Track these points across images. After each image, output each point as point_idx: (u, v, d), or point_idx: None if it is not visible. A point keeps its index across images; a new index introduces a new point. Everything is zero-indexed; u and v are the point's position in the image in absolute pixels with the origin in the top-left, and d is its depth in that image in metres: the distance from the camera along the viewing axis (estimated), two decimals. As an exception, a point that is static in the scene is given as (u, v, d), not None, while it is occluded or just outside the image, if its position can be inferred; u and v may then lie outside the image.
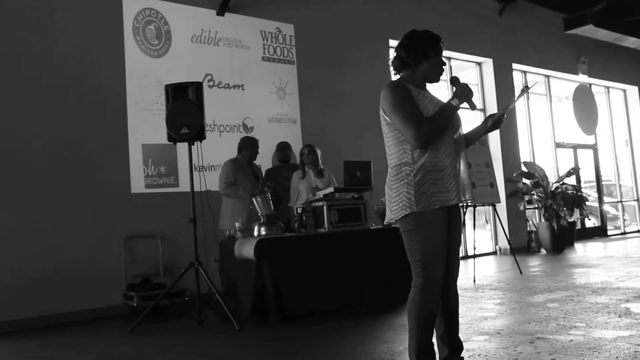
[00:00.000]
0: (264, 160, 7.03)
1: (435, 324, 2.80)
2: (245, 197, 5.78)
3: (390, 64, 2.92)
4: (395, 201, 2.75)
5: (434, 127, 2.69)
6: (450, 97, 2.79)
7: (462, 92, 2.78)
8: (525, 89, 2.94)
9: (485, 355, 3.41)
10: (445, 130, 2.75)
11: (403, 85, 2.77)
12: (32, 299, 5.51)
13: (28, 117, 5.74)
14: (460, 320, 2.96)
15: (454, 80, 2.87)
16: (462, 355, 2.89)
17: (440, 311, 2.81)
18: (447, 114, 2.73)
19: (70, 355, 4.26)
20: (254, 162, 6.24)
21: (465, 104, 2.82)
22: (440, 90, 8.99)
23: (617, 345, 3.43)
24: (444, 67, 2.87)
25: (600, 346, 3.43)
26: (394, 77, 2.94)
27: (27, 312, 5.46)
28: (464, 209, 7.09)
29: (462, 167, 2.82)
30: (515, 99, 2.94)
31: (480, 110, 10.34)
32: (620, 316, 4.24)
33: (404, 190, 2.71)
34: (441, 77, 2.90)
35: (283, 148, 6.75)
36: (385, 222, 2.99)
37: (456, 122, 2.82)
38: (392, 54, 2.93)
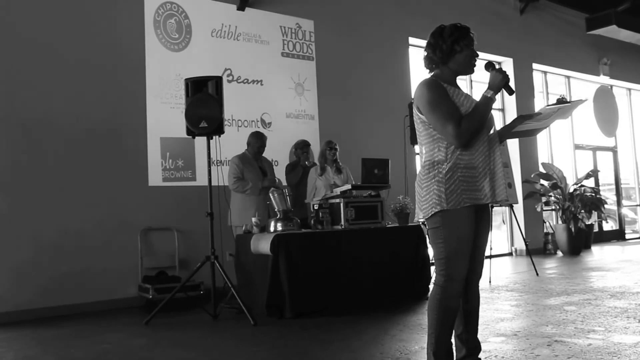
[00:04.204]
0: (282, 155, 7.04)
1: (454, 323, 2.77)
2: (253, 191, 5.79)
3: (422, 62, 2.89)
4: (426, 199, 2.72)
5: (472, 123, 2.66)
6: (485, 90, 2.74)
7: (495, 79, 2.72)
8: (564, 101, 2.87)
9: (502, 357, 3.37)
10: (484, 123, 2.72)
11: (438, 83, 2.74)
12: (49, 289, 5.57)
13: (47, 109, 5.79)
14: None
15: (489, 66, 2.80)
16: (479, 356, 2.87)
17: (460, 311, 2.80)
18: (483, 108, 2.69)
19: (87, 345, 4.29)
20: (264, 156, 6.21)
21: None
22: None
23: (638, 350, 3.38)
24: (476, 57, 2.81)
25: (620, 351, 3.38)
26: (414, 69, 2.91)
27: (44, 302, 5.53)
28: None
29: (497, 166, 2.75)
30: (550, 113, 2.84)
31: (500, 109, 10.28)
32: (639, 321, 4.18)
33: (435, 188, 2.69)
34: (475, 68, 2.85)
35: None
36: (415, 220, 2.96)
37: (489, 120, 2.78)
38: (423, 52, 2.90)
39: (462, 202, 2.66)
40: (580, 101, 2.94)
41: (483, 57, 2.93)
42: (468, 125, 2.65)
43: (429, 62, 2.85)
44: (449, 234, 2.68)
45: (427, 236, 3.45)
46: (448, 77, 2.80)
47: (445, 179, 2.67)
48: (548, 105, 2.93)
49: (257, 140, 6.04)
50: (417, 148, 7.59)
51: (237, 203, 5.93)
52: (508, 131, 2.93)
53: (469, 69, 2.82)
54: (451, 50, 2.75)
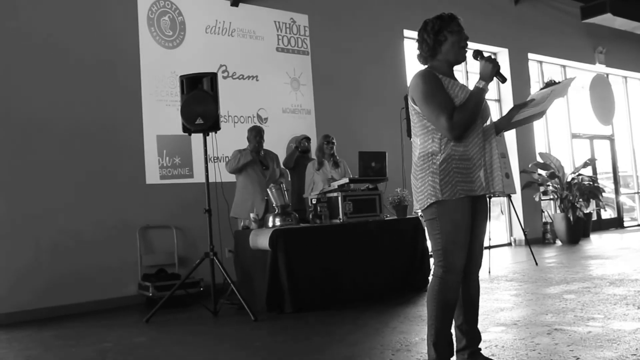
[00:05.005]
0: (279, 150, 7.03)
1: (454, 313, 2.78)
2: (246, 157, 5.86)
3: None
4: (421, 191, 2.72)
5: (465, 115, 2.64)
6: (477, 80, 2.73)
7: (485, 69, 2.70)
8: (553, 83, 2.86)
9: (503, 346, 3.38)
10: (477, 116, 2.70)
11: (433, 74, 2.72)
12: (49, 289, 5.57)
13: (43, 109, 5.78)
14: (478, 311, 2.93)
15: (477, 55, 2.78)
16: (479, 346, 2.87)
17: (460, 301, 2.80)
18: (476, 99, 2.67)
19: (88, 344, 4.29)
20: (267, 149, 6.23)
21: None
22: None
23: (637, 337, 3.39)
24: (465, 43, 2.78)
25: (619, 338, 3.39)
26: (410, 62, 2.90)
27: (44, 302, 5.53)
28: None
29: (493, 157, 2.74)
30: (544, 96, 2.83)
31: (496, 100, 10.27)
32: (639, 308, 4.19)
33: (429, 179, 2.68)
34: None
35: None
36: (413, 212, 2.96)
37: (485, 111, 2.77)
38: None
39: (457, 193, 2.65)
40: (571, 79, 2.92)
41: (479, 48, 2.90)
42: (461, 118, 2.64)
43: (420, 58, 2.87)
44: (445, 225, 2.68)
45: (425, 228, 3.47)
46: (443, 68, 2.79)
47: (439, 170, 2.67)
48: (540, 90, 2.92)
49: (252, 132, 6.09)
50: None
51: (237, 195, 6.02)
52: (507, 122, 2.89)
53: (459, 56, 2.79)
54: (435, 42, 2.75)
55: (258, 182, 5.93)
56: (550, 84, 2.87)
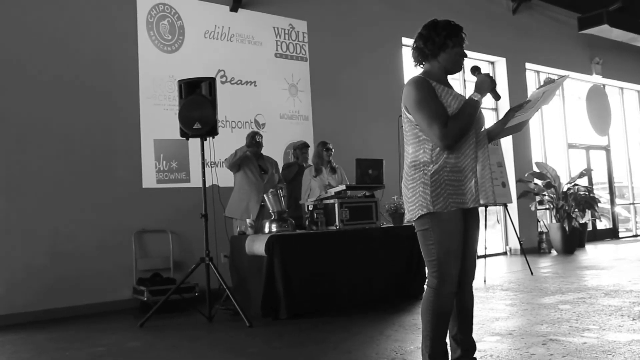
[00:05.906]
0: (276, 156, 7.04)
1: (449, 324, 2.77)
2: (243, 149, 5.87)
3: (411, 55, 2.88)
4: (412, 201, 2.70)
5: (458, 125, 2.62)
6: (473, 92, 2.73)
7: (483, 83, 2.71)
8: (549, 81, 2.87)
9: (498, 356, 3.38)
10: (470, 126, 2.69)
11: (426, 81, 2.70)
12: (43, 292, 5.55)
13: (41, 112, 5.77)
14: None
15: (475, 70, 2.80)
16: (474, 356, 2.87)
17: (455, 311, 2.79)
18: (469, 111, 2.66)
19: (81, 347, 4.27)
20: (267, 156, 6.24)
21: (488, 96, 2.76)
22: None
23: (632, 348, 3.40)
24: (464, 57, 2.79)
25: (614, 349, 3.39)
26: (408, 70, 2.88)
27: (38, 305, 5.50)
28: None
29: (485, 167, 2.73)
30: (537, 98, 2.84)
31: (493, 109, 10.30)
32: (634, 319, 4.19)
33: (420, 190, 2.67)
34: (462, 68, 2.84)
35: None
36: (405, 221, 2.95)
37: (478, 121, 2.75)
38: (412, 44, 2.87)
39: (449, 206, 2.63)
40: (564, 77, 2.96)
41: (477, 58, 2.92)
42: (454, 127, 2.62)
43: (420, 54, 2.82)
44: (438, 236, 2.66)
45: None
46: (438, 74, 2.78)
47: (430, 182, 2.65)
48: (537, 89, 2.93)
49: (249, 135, 6.07)
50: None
51: (233, 195, 6.03)
52: (501, 127, 2.89)
53: (456, 67, 2.79)
54: (443, 44, 2.74)
55: (255, 184, 5.94)
56: (547, 81, 2.88)
